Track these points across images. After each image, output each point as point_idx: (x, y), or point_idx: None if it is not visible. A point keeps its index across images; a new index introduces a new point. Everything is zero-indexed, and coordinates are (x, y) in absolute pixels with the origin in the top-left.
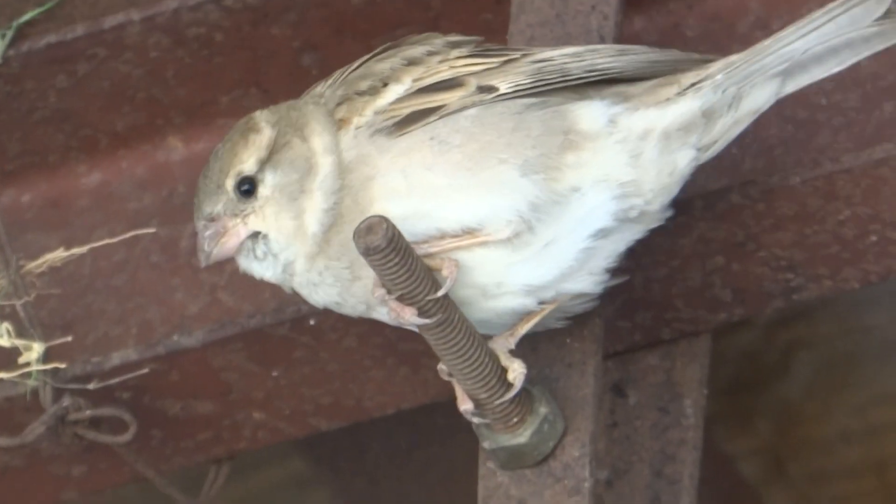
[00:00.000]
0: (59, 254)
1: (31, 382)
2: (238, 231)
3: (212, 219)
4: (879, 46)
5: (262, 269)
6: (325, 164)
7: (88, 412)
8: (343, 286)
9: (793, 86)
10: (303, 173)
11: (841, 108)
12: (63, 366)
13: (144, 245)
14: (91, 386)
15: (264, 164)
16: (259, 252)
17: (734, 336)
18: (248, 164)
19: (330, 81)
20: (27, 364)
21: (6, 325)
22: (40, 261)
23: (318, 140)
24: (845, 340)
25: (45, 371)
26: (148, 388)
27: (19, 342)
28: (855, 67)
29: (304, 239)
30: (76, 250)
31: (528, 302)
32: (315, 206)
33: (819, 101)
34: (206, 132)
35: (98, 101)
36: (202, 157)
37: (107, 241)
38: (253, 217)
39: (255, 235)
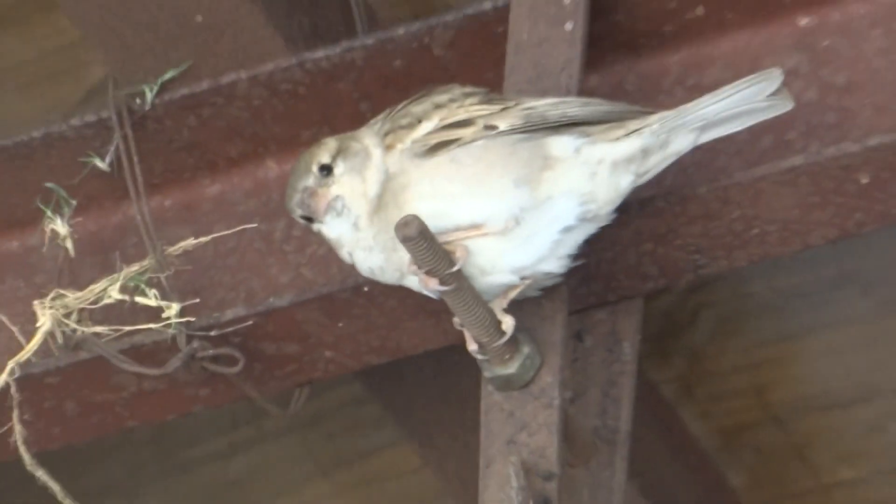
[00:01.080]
0: (190, 242)
1: (171, 331)
2: (326, 193)
3: (305, 189)
4: (771, 115)
5: (340, 223)
6: (376, 154)
7: (211, 351)
8: (387, 254)
9: (706, 137)
10: (363, 158)
11: (734, 141)
12: (193, 319)
13: (249, 235)
14: (213, 333)
15: (335, 156)
16: (339, 207)
17: (658, 299)
18: (324, 157)
19: (381, 117)
20: (168, 318)
21: (154, 291)
22: (177, 247)
23: (371, 144)
24: (735, 302)
25: (180, 323)
26: (252, 335)
27: (163, 303)
28: None
29: (366, 199)
30: (202, 239)
31: (514, 278)
32: (372, 177)
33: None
34: (292, 157)
35: (217, 135)
36: (289, 174)
37: (223, 232)
38: (334, 186)
39: (336, 199)
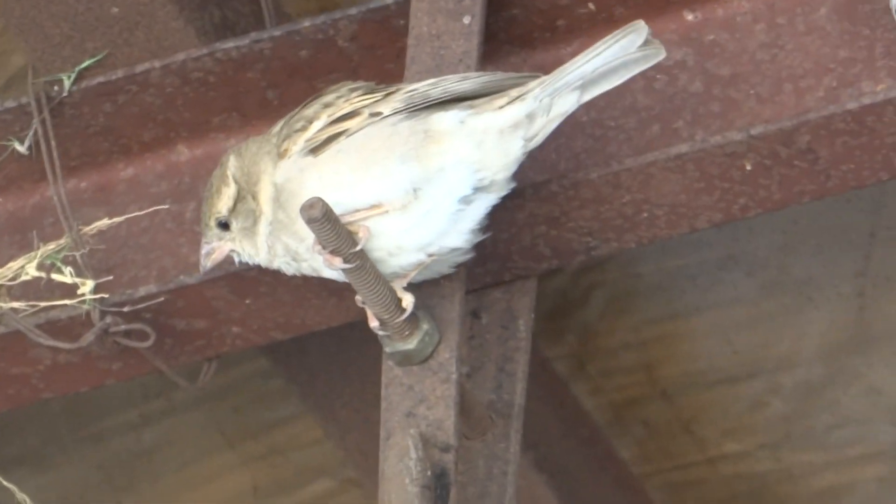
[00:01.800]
0: (105, 222)
1: (85, 307)
2: (222, 249)
3: (207, 242)
4: (646, 65)
5: (250, 258)
6: (266, 212)
7: (123, 326)
8: (297, 265)
9: (588, 95)
10: (253, 220)
11: (624, 129)
12: (107, 296)
13: (161, 216)
14: (125, 309)
15: (231, 211)
16: (236, 259)
17: (552, 279)
18: (222, 211)
19: (282, 123)
20: (83, 295)
21: (69, 269)
22: (92, 227)
23: (264, 194)
24: (625, 282)
25: (94, 299)
26: (163, 311)
27: (78, 280)
28: (633, 100)
29: (261, 251)
30: (116, 219)
31: (421, 256)
32: (261, 236)
33: (609, 124)
34: (203, 141)
35: (131, 121)
36: (200, 158)
37: (136, 213)
38: (230, 243)
39: (233, 252)
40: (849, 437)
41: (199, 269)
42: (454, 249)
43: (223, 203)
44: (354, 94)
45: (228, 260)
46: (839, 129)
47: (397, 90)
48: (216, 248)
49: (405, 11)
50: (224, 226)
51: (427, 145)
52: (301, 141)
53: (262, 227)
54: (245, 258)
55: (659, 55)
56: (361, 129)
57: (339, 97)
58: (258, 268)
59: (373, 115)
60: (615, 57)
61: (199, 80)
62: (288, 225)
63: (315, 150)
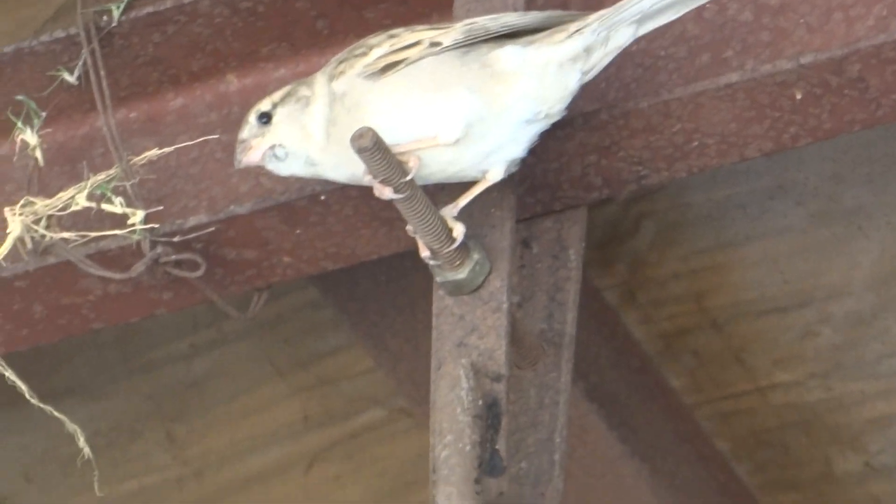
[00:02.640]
0: (155, 152)
1: (136, 237)
2: (259, 144)
3: (242, 142)
4: (699, 2)
5: (288, 166)
6: (320, 96)
7: (173, 256)
8: (352, 168)
9: (644, 30)
10: (304, 103)
11: (674, 58)
12: (157, 226)
13: (211, 146)
14: (176, 239)
15: (277, 105)
16: (280, 154)
17: (602, 209)
18: (265, 105)
19: (339, 56)
20: (133, 225)
21: (120, 199)
22: (142, 157)
23: (318, 85)
24: (675, 212)
25: (145, 229)
26: (213, 241)
27: (128, 210)
28: (682, 29)
29: (311, 140)
30: (166, 150)
31: (476, 173)
32: (314, 117)
33: (659, 53)
34: (252, 71)
35: (181, 51)
36: (249, 88)
37: (186, 143)
38: (269, 135)
39: (273, 147)
40: None
41: (234, 164)
42: (510, 160)
43: (269, 99)
44: (417, 28)
45: (279, 189)
46: (889, 57)
47: (459, 24)
48: (252, 145)
49: None
50: (265, 118)
51: (492, 83)
52: (359, 65)
53: (317, 108)
54: (287, 149)
55: None
56: (421, 58)
57: (406, 30)
58: (308, 197)
59: (433, 44)
60: None
61: (248, 9)
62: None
63: (372, 76)
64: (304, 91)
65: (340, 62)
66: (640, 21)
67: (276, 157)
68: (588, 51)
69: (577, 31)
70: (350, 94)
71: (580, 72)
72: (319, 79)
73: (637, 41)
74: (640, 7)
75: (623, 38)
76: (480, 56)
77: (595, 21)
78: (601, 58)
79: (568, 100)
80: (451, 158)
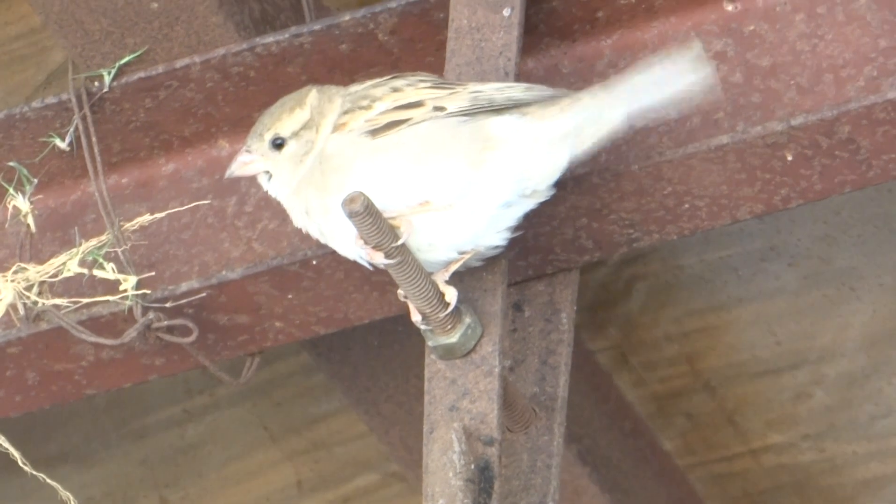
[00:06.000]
0: (146, 217)
1: (128, 303)
2: (257, 166)
3: (248, 150)
4: (694, 88)
5: (274, 191)
6: (317, 150)
7: (165, 322)
8: (318, 221)
9: (638, 109)
10: (306, 150)
11: (665, 121)
12: (149, 292)
13: (203, 212)
14: (168, 305)
15: (295, 134)
16: (265, 183)
17: (594, 271)
18: (284, 130)
19: (361, 87)
20: (125, 291)
21: (111, 265)
22: (134, 222)
23: (321, 135)
24: (667, 274)
25: (137, 295)
26: (205, 307)
27: (120, 276)
28: None
29: (295, 177)
30: (158, 215)
31: (452, 254)
32: (309, 161)
33: (650, 115)
34: (243, 136)
35: (172, 116)
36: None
37: (178, 209)
38: (271, 162)
39: (265, 173)
40: (892, 426)
41: (226, 174)
42: (487, 248)
43: (291, 123)
44: (422, 85)
45: (271, 253)
46: (880, 118)
47: (464, 88)
48: (254, 161)
49: (444, 4)
50: (277, 146)
51: (485, 151)
52: (361, 119)
53: (309, 160)
54: (275, 185)
55: (708, 79)
56: (423, 121)
57: (408, 85)
58: (300, 262)
59: (437, 108)
60: (665, 73)
61: (240, 74)
62: (320, 189)
63: (374, 132)
64: (309, 135)
65: (345, 112)
66: (632, 101)
67: (267, 176)
68: (579, 129)
69: (568, 106)
70: (337, 157)
71: (570, 150)
72: (325, 126)
73: None
74: (631, 86)
75: (615, 118)
76: (477, 124)
77: (587, 97)
78: (592, 136)
79: (556, 177)
80: (444, 226)
